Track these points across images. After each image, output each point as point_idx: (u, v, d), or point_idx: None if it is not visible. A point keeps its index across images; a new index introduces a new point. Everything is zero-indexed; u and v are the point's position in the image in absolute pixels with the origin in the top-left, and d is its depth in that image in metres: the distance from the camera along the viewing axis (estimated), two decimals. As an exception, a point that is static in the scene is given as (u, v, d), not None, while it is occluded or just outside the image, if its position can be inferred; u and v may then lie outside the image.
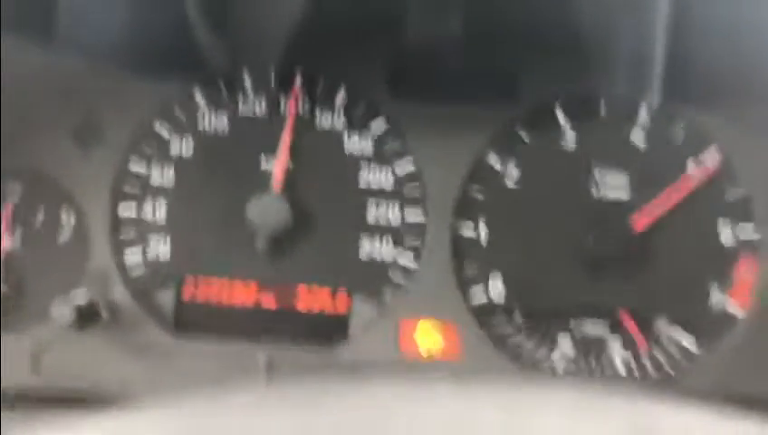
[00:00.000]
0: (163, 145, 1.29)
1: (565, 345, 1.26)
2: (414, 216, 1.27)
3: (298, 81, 1.28)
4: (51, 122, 1.28)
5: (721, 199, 1.24)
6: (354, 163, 1.28)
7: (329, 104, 1.28)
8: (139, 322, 1.26)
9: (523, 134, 1.27)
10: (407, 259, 1.27)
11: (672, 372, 1.24)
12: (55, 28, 1.09)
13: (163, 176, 1.29)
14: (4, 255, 1.28)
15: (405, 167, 1.28)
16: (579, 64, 1.21)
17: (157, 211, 1.29)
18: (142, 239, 1.29)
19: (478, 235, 1.27)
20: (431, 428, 0.51)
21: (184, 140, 1.29)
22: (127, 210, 1.29)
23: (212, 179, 1.29)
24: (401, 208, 1.28)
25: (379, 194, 1.27)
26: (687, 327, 1.24)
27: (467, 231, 1.27)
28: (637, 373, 1.25)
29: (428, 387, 0.56)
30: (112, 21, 1.17)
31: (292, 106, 1.28)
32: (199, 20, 1.14)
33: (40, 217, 1.29)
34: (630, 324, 1.24)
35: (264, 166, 1.28)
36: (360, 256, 1.27)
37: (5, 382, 1.21)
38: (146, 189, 1.29)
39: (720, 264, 1.24)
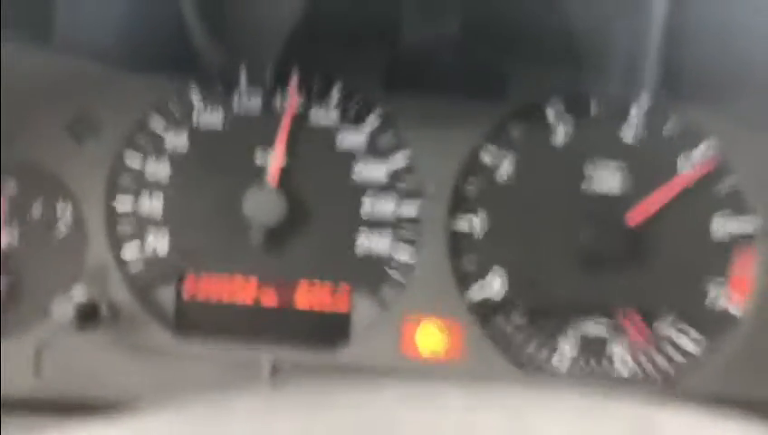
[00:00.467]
0: (158, 140, 1.29)
1: (566, 346, 1.26)
2: (409, 210, 1.27)
3: (295, 77, 1.27)
4: (46, 117, 1.27)
5: (716, 194, 1.24)
6: (349, 157, 1.28)
7: (324, 99, 1.28)
8: (139, 322, 1.26)
9: (517, 130, 1.27)
10: (404, 254, 1.27)
11: (672, 373, 1.25)
12: (52, 24, 1.09)
13: (158, 170, 1.29)
14: (3, 251, 1.28)
15: (400, 161, 1.28)
16: (571, 61, 1.21)
17: (153, 206, 1.29)
18: (139, 234, 1.29)
19: (474, 230, 1.27)
20: (435, 431, 0.52)
21: (179, 134, 1.29)
22: (123, 204, 1.29)
23: (207, 174, 1.28)
24: (397, 202, 1.28)
25: (375, 187, 1.27)
26: (687, 326, 1.25)
27: (463, 225, 1.27)
28: (637, 373, 1.25)
29: (432, 390, 0.56)
30: (109, 17, 1.16)
31: (290, 102, 1.27)
32: (195, 16, 1.13)
33: (36, 211, 1.29)
34: (630, 325, 1.24)
35: (259, 161, 1.28)
36: (357, 252, 1.28)
37: (5, 386, 1.21)
38: (141, 184, 1.29)
39: (717, 260, 1.24)
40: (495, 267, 1.27)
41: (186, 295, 1.29)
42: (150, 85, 1.28)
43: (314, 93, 1.28)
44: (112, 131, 1.28)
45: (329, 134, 1.28)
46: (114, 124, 1.28)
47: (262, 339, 1.26)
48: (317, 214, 1.27)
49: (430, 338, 1.24)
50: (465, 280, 1.26)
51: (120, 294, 1.27)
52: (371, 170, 1.28)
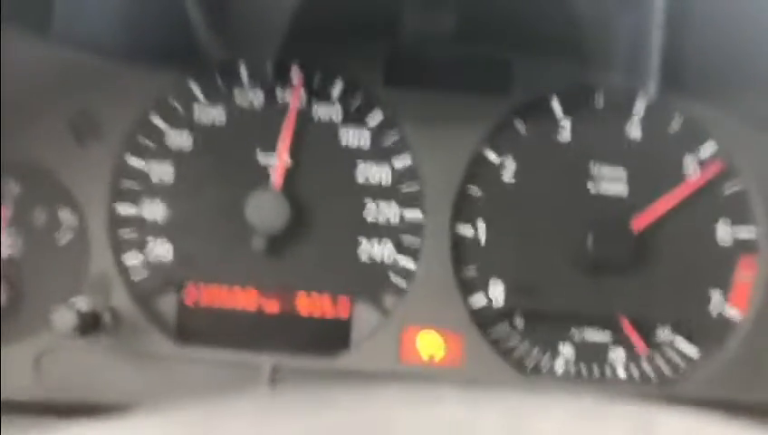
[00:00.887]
0: (160, 137, 1.28)
1: (567, 351, 1.26)
2: (412, 215, 1.27)
3: (298, 75, 1.27)
4: (47, 115, 1.27)
5: (720, 198, 1.24)
6: (352, 157, 1.27)
7: (326, 96, 1.28)
8: (141, 329, 1.26)
9: (520, 127, 1.27)
10: (406, 260, 1.27)
11: (672, 377, 1.24)
12: (51, 20, 1.08)
13: (161, 170, 1.28)
14: (4, 258, 1.28)
15: (403, 161, 1.27)
16: (575, 56, 1.21)
17: (156, 210, 1.29)
18: (142, 241, 1.29)
19: (477, 233, 1.27)
20: (434, 431, 0.52)
21: (180, 132, 1.28)
22: (126, 208, 1.29)
23: (209, 173, 1.28)
24: (400, 207, 1.27)
25: (378, 190, 1.27)
26: (687, 332, 1.24)
27: (466, 230, 1.27)
28: (638, 378, 1.25)
29: (431, 393, 0.56)
30: (109, 12, 1.15)
31: (293, 102, 1.27)
32: (196, 11, 1.13)
33: (38, 218, 1.29)
34: (631, 330, 1.24)
35: (261, 160, 1.27)
36: (360, 258, 1.27)
37: (6, 393, 1.21)
38: (144, 186, 1.28)
39: (719, 266, 1.24)
40: (498, 273, 1.26)
41: (187, 302, 1.29)
42: (151, 79, 1.27)
43: (315, 88, 1.28)
44: (113, 128, 1.27)
45: (332, 130, 1.27)
46: (115, 121, 1.27)
47: (263, 346, 1.26)
48: (320, 219, 1.27)
49: (430, 345, 1.24)
50: (467, 287, 1.26)
51: (122, 301, 1.26)
52: (375, 172, 1.27)
